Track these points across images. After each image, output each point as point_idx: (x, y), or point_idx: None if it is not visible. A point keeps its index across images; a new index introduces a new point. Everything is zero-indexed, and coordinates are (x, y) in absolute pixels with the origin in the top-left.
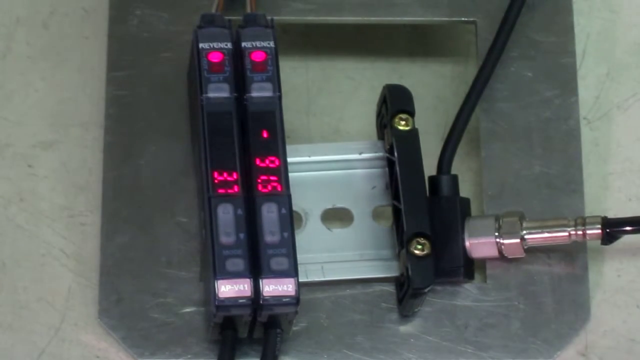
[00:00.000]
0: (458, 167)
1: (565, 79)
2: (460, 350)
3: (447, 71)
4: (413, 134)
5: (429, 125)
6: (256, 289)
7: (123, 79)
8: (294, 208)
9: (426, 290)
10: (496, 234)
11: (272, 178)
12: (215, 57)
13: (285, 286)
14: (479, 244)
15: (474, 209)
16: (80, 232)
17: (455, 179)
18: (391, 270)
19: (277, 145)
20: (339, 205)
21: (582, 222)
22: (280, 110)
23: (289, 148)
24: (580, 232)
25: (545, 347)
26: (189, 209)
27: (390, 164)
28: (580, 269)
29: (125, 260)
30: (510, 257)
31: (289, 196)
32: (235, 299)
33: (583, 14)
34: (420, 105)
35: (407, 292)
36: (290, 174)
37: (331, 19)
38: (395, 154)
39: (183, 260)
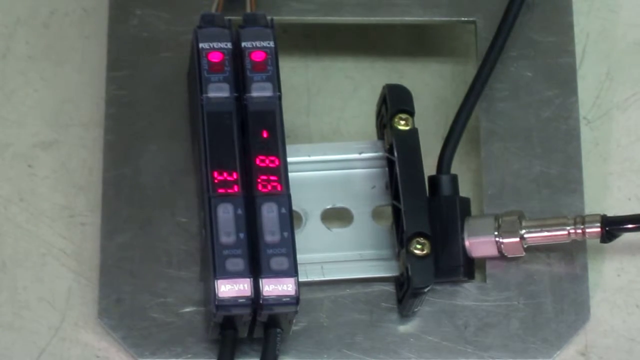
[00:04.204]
0: (458, 166)
1: (565, 79)
2: (460, 350)
3: (447, 71)
4: (413, 134)
5: (429, 125)
6: (256, 288)
7: (123, 79)
8: (294, 208)
9: (426, 289)
10: (496, 233)
11: (272, 178)
12: (215, 57)
13: (285, 286)
14: (479, 243)
15: (473, 208)
16: (80, 232)
17: (455, 178)
18: (391, 270)
19: (277, 145)
20: (338, 205)
21: (582, 220)
22: (280, 110)
23: (289, 148)
24: (579, 231)
25: (545, 347)
26: (189, 209)
27: (390, 163)
28: (580, 268)
29: (125, 260)
30: (510, 256)
31: (289, 196)
32: (235, 298)
33: (582, 13)
34: (420, 105)
35: (407, 291)
36: (290, 174)
37: (331, 19)
38: (395, 153)
39: (183, 260)
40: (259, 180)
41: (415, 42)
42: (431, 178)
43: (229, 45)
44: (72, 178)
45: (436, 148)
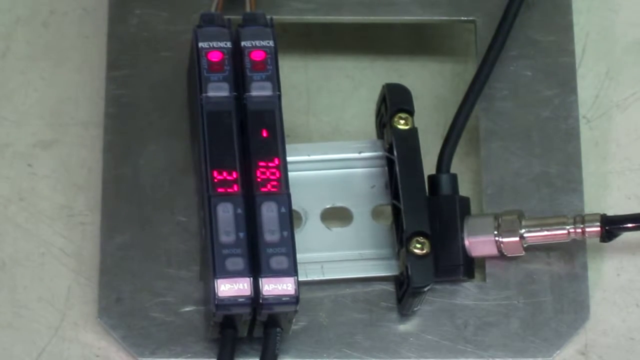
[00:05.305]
0: (457, 166)
1: (564, 78)
2: (459, 349)
3: (447, 70)
4: (412, 133)
5: (429, 125)
6: (256, 288)
7: (123, 79)
8: (294, 207)
9: (426, 289)
10: (495, 232)
11: (272, 177)
12: (215, 57)
13: (284, 285)
14: (479, 243)
15: (473, 208)
16: (80, 232)
17: (454, 178)
18: (391, 269)
19: (276, 145)
20: (338, 204)
21: (581, 220)
22: (280, 109)
23: (288, 147)
24: (579, 230)
25: (544, 346)
26: (188, 208)
27: (389, 163)
28: (579, 267)
29: (125, 260)
30: (509, 255)
31: (289, 195)
32: (235, 298)
33: (582, 12)
34: (419, 104)
35: (406, 291)
36: (289, 173)
37: (331, 18)
38: (395, 153)
39: (183, 260)
40: (258, 179)
41: (415, 41)
42: (431, 177)
43: (229, 44)
44: (71, 177)
45: (436, 147)
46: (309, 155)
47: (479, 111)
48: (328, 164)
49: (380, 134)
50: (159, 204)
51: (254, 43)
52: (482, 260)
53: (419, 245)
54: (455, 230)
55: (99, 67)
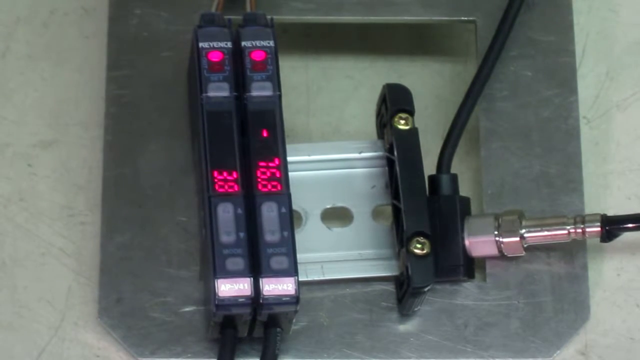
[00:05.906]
0: (458, 166)
1: (564, 78)
2: (459, 349)
3: (447, 70)
4: (413, 133)
5: (429, 125)
6: (256, 288)
7: (123, 79)
8: (294, 207)
9: (426, 289)
10: (496, 232)
11: (272, 177)
12: (215, 57)
13: (285, 285)
14: (479, 243)
15: (473, 208)
16: (80, 232)
17: (454, 178)
18: (391, 269)
19: (277, 145)
20: (338, 204)
21: (582, 220)
22: (280, 109)
23: (288, 147)
24: (579, 230)
25: (544, 346)
26: (189, 208)
27: (390, 163)
28: (580, 268)
29: (125, 260)
30: (510, 255)
31: (289, 195)
32: (235, 298)
33: (582, 13)
34: (420, 104)
35: (407, 291)
36: (290, 173)
37: (331, 19)
38: (395, 153)
39: (183, 260)
40: (259, 179)
41: (415, 41)
42: (431, 177)
43: (229, 44)
44: (72, 177)
45: (436, 147)
46: (309, 155)
47: (479, 111)
48: (328, 164)
49: (381, 134)
50: (159, 204)
51: (254, 43)
52: (482, 260)
53: (419, 246)
54: (455, 231)
55: (99, 67)
